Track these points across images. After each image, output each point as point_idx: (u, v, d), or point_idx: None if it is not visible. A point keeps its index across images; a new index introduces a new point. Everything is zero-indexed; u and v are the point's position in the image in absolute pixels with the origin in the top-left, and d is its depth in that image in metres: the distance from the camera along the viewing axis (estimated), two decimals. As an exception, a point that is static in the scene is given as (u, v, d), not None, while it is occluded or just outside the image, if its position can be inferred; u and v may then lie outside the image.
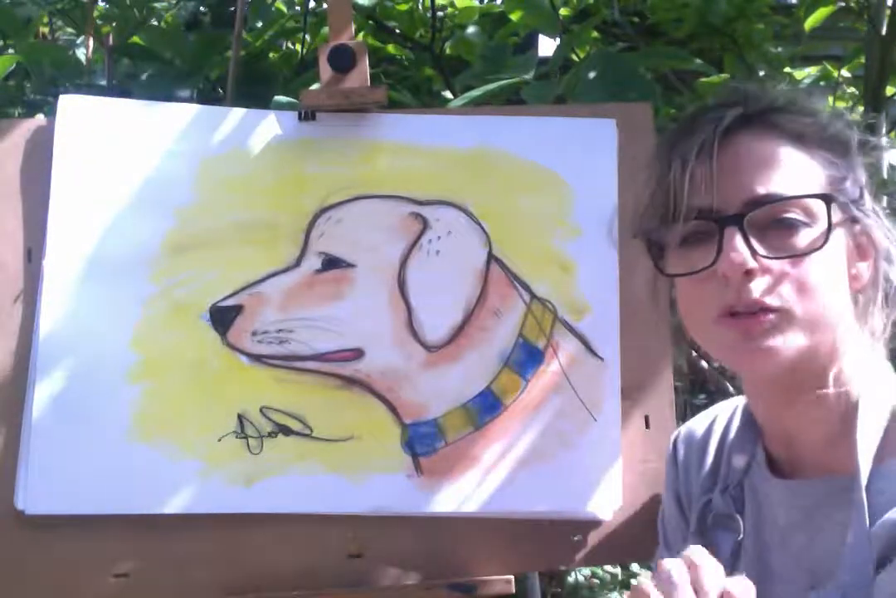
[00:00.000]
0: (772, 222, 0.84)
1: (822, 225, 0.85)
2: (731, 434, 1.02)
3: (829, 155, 0.88)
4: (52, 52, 1.95)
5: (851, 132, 0.91)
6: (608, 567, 2.47)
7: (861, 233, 0.89)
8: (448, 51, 2.11)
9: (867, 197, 0.90)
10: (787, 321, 0.84)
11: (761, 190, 0.85)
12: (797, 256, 0.84)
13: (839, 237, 0.87)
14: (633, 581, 2.42)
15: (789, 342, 0.84)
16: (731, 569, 0.95)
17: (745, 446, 0.98)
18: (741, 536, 0.95)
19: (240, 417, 1.23)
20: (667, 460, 1.12)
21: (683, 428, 1.11)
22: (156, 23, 2.15)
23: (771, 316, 0.84)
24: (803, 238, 0.84)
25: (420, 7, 2.10)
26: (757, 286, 0.84)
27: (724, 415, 1.06)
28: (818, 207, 0.85)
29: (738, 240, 0.83)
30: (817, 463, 0.89)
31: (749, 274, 0.84)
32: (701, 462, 1.05)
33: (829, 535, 0.85)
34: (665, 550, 1.11)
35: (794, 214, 0.85)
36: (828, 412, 0.88)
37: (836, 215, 0.85)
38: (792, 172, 0.86)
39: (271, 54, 2.07)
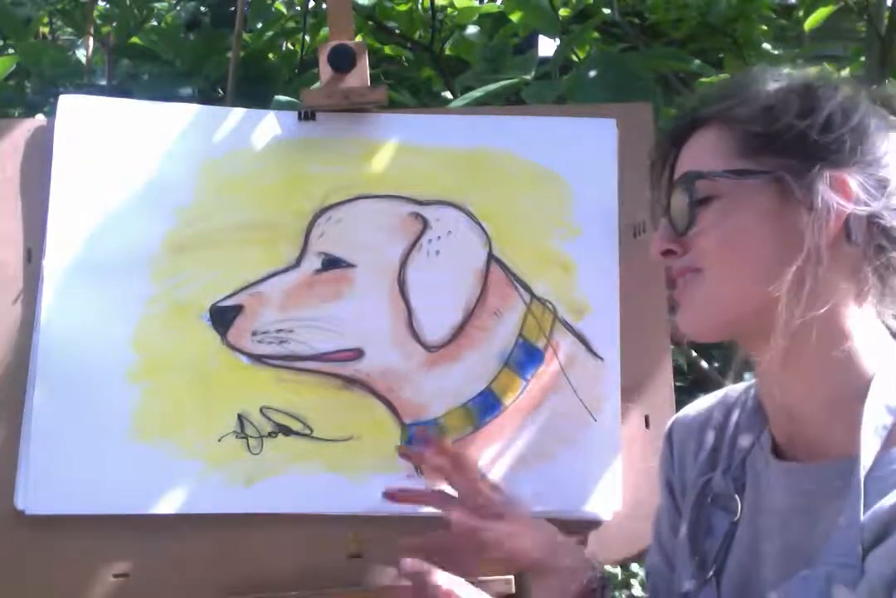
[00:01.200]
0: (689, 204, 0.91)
1: (727, 198, 0.89)
2: (734, 417, 1.02)
3: (753, 125, 0.89)
4: (52, 52, 1.95)
5: (786, 93, 0.90)
6: (608, 567, 2.47)
7: (802, 195, 0.87)
8: (448, 51, 2.11)
9: (836, 152, 0.87)
10: (698, 281, 0.91)
11: (675, 177, 0.94)
12: (686, 232, 0.90)
13: (753, 205, 0.88)
14: (634, 582, 2.42)
15: (704, 297, 0.90)
16: (725, 549, 0.95)
17: (753, 428, 0.98)
18: (737, 517, 0.96)
19: (240, 417, 1.23)
20: (661, 447, 1.11)
21: (679, 414, 1.11)
22: (156, 23, 2.15)
23: (684, 279, 0.92)
24: (709, 212, 0.89)
25: (420, 7, 2.10)
26: (676, 264, 0.92)
27: (729, 398, 1.06)
28: (724, 181, 0.89)
29: (662, 226, 0.93)
30: (820, 446, 0.89)
31: (670, 255, 0.92)
32: (698, 447, 1.04)
33: (827, 520, 0.84)
34: (655, 543, 1.10)
35: (698, 193, 0.90)
36: (822, 387, 0.88)
37: (727, 186, 0.88)
38: (703, 154, 0.92)
39: (271, 54, 2.07)
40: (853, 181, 0.86)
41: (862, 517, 0.79)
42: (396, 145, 1.30)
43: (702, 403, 1.08)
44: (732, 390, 1.07)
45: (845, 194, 0.86)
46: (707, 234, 0.89)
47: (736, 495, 0.96)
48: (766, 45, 2.09)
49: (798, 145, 0.87)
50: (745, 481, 0.97)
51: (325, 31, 1.79)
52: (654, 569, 1.10)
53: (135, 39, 2.00)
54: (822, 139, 0.87)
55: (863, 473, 0.81)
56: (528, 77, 1.78)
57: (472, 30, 2.09)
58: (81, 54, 2.10)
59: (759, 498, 0.95)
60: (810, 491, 0.88)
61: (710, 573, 0.95)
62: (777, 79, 0.93)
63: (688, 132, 0.94)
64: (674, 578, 1.02)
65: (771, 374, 0.91)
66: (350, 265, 1.27)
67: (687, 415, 1.08)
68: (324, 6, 1.86)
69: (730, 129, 0.90)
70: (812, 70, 0.96)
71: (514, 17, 1.99)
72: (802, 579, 0.82)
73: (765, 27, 2.05)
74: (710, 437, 1.04)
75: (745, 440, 0.99)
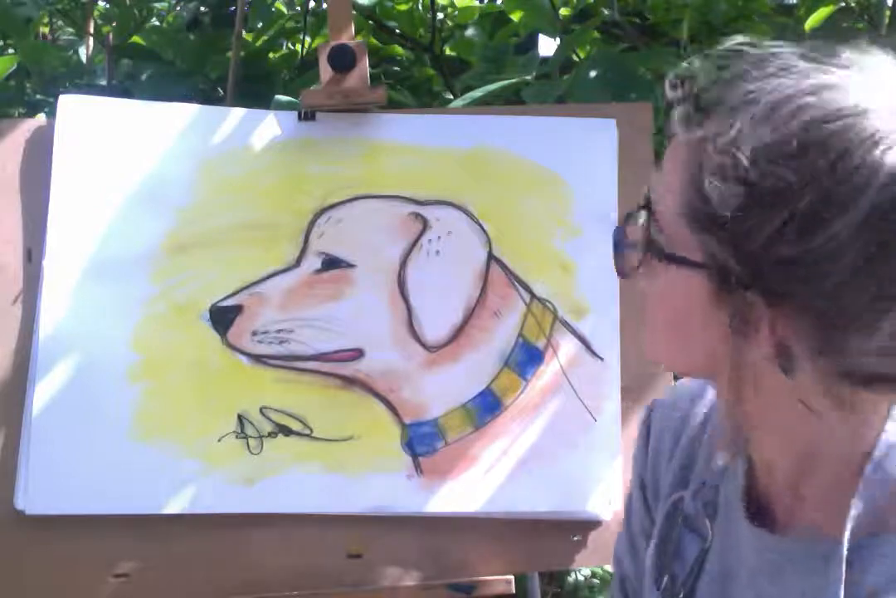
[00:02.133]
0: None
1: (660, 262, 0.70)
2: (710, 428, 0.90)
3: (711, 185, 0.62)
4: (52, 52, 1.95)
5: (773, 146, 0.59)
6: (608, 567, 2.46)
7: (730, 312, 0.65)
8: (448, 51, 2.11)
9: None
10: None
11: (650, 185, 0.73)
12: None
13: (684, 285, 0.68)
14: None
15: (648, 342, 0.77)
16: (695, 576, 0.86)
17: (731, 446, 0.83)
18: (709, 544, 0.86)
19: (240, 417, 1.23)
20: (638, 433, 0.97)
21: (663, 402, 0.96)
22: (156, 23, 2.15)
23: None
24: (645, 261, 0.73)
25: (420, 7, 2.10)
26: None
27: (709, 396, 0.92)
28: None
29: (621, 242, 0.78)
30: (789, 506, 0.78)
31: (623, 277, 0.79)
32: (673, 450, 0.93)
33: (797, 593, 0.75)
34: (626, 535, 0.99)
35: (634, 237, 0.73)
36: (793, 453, 0.75)
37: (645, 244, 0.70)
38: (670, 178, 0.68)
39: (271, 54, 2.07)
40: (800, 329, 0.62)
41: None
42: (396, 145, 1.30)
43: (685, 390, 0.95)
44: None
45: (776, 333, 0.63)
46: (641, 283, 0.74)
47: (707, 521, 0.86)
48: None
49: (740, 244, 0.61)
50: (718, 505, 0.86)
51: (325, 31, 1.79)
52: (623, 562, 0.99)
53: (135, 39, 2.00)
54: (775, 251, 0.59)
55: (843, 563, 0.69)
56: (528, 77, 1.78)
57: (472, 30, 2.09)
58: (81, 54, 2.09)
59: (730, 531, 0.85)
60: (779, 560, 0.78)
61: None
62: (783, 98, 0.60)
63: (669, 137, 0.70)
64: (641, 586, 0.94)
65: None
66: (350, 265, 1.27)
67: (667, 409, 0.95)
68: (324, 6, 1.86)
69: (687, 175, 0.65)
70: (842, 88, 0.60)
71: (515, 16, 1.99)
72: None
73: (765, 27, 2.05)
74: (684, 444, 0.92)
75: (720, 460, 0.85)
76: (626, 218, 0.73)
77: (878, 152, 0.56)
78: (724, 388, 0.71)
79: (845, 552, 0.69)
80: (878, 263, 0.57)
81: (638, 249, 0.72)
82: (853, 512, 0.69)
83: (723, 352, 0.67)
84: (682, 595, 0.87)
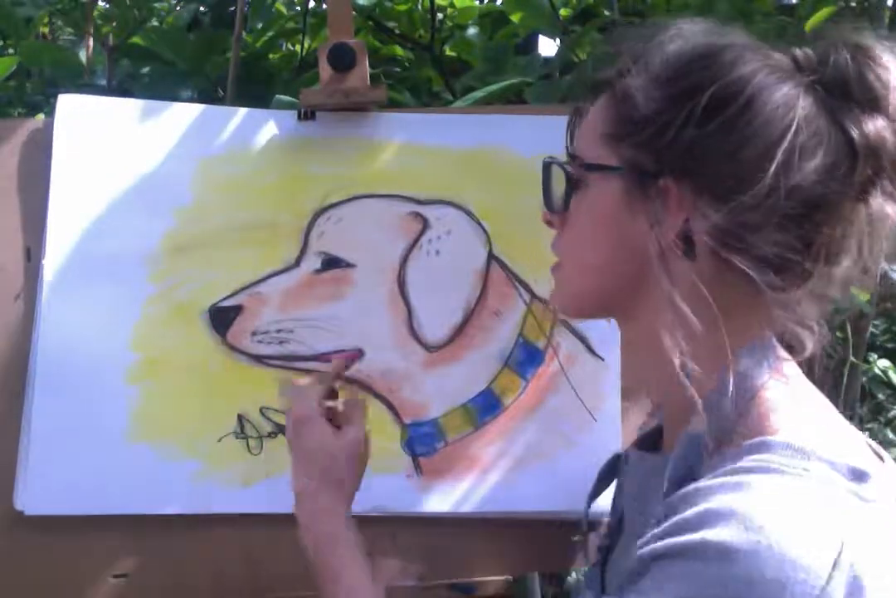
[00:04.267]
0: None
1: (582, 191, 0.85)
2: None
3: (624, 105, 0.81)
4: (52, 52, 1.94)
5: (673, 65, 0.80)
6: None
7: (641, 203, 0.80)
8: (448, 51, 2.10)
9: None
10: (558, 270, 0.91)
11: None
12: (553, 214, 0.89)
13: (600, 203, 0.83)
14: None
15: (558, 288, 0.91)
16: (618, 527, 0.94)
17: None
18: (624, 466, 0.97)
19: (240, 417, 1.23)
20: None
21: None
22: (156, 23, 2.15)
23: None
24: (571, 201, 0.86)
25: (420, 7, 2.09)
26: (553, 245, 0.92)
27: None
28: (579, 172, 0.85)
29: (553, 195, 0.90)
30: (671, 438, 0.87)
31: (550, 225, 0.91)
32: None
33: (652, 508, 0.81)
34: None
35: (560, 179, 0.87)
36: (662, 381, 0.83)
37: (584, 177, 0.84)
38: (588, 127, 0.86)
39: (271, 55, 2.06)
40: (700, 200, 0.77)
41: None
42: (397, 144, 1.30)
43: None
44: None
45: (684, 209, 0.78)
46: (564, 225, 0.88)
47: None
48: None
49: (654, 141, 0.78)
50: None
51: (325, 31, 1.79)
52: None
53: (135, 39, 2.00)
54: (684, 137, 0.77)
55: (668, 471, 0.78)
56: (529, 79, 1.78)
57: (472, 30, 2.08)
58: (81, 54, 2.09)
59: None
60: (639, 480, 0.89)
61: (602, 554, 0.95)
62: (681, 38, 0.81)
63: (596, 91, 0.87)
64: None
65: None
66: (350, 265, 1.26)
67: None
68: (324, 6, 1.86)
69: (611, 104, 0.83)
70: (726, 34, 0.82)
71: (515, 17, 1.99)
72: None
73: (766, 27, 2.05)
74: None
75: None
76: (550, 161, 0.89)
77: (747, 69, 0.77)
78: (654, 295, 0.80)
79: (668, 473, 0.78)
80: (757, 135, 0.75)
81: (563, 168, 0.86)
82: (689, 430, 0.78)
83: (646, 249, 0.79)
84: (607, 546, 0.95)
